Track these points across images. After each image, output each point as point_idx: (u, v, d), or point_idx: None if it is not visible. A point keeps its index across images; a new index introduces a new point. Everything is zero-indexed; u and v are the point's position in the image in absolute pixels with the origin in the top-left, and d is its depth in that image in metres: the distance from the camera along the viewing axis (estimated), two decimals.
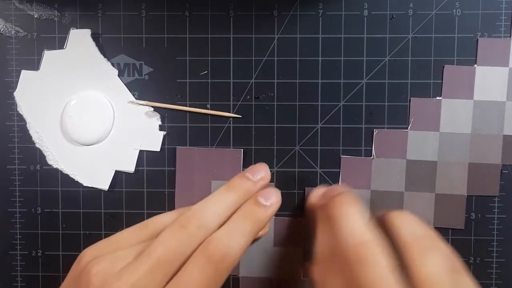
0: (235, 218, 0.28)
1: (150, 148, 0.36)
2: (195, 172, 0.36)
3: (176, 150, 0.36)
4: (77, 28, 0.36)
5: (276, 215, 0.36)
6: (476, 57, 0.35)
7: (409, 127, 0.35)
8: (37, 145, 0.36)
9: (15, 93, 0.36)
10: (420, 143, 0.35)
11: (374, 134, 0.35)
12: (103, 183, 0.36)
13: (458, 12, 0.35)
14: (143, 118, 0.36)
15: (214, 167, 0.36)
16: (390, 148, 0.35)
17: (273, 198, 0.29)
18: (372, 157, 0.36)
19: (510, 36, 0.35)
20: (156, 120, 0.36)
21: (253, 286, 0.36)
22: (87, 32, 0.35)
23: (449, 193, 0.35)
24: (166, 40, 0.36)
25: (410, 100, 0.35)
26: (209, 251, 0.25)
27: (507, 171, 0.35)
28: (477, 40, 0.35)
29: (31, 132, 0.36)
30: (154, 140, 0.36)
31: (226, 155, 0.36)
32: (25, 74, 0.36)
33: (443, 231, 0.36)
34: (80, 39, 0.35)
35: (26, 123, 0.36)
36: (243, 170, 0.36)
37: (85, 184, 0.36)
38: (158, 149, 0.36)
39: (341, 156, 0.36)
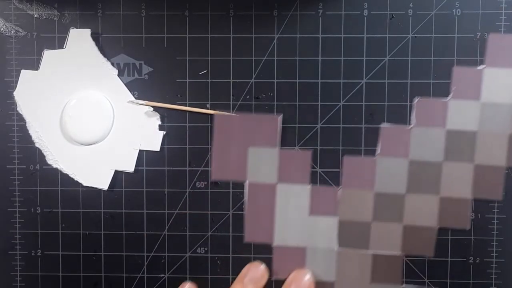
0: None
1: (150, 148, 0.36)
2: (232, 139, 0.35)
3: (214, 117, 0.35)
4: (77, 28, 0.36)
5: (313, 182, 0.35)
6: (485, 57, 0.35)
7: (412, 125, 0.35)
8: (36, 145, 0.36)
9: (14, 93, 0.36)
10: (424, 141, 0.35)
11: (381, 130, 0.35)
12: (103, 183, 0.36)
13: (458, 12, 0.35)
14: (143, 118, 0.36)
15: (251, 134, 0.35)
16: (394, 146, 0.35)
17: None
18: (376, 155, 0.35)
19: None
20: (156, 120, 0.36)
21: (287, 254, 0.35)
22: (87, 32, 0.35)
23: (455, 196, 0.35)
24: (166, 39, 0.36)
25: (409, 99, 0.35)
26: None
27: (506, 171, 0.35)
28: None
29: (31, 131, 0.36)
30: (153, 140, 0.36)
31: (263, 122, 0.35)
32: (24, 74, 0.35)
33: (444, 231, 0.36)
34: (80, 39, 0.35)
35: (25, 122, 0.36)
36: (280, 137, 0.35)
37: (84, 184, 0.36)
38: (158, 149, 0.36)
39: (344, 156, 0.36)
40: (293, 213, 0.36)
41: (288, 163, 0.35)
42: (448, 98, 0.35)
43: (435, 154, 0.35)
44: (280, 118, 0.35)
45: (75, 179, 0.36)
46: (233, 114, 0.35)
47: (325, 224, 0.36)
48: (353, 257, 0.36)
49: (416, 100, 0.35)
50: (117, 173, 0.36)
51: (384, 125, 0.35)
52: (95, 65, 0.35)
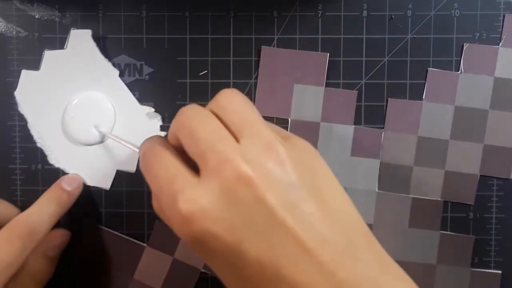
0: (42, 200, 0.32)
1: None
2: (278, 74, 0.35)
3: (261, 49, 0.35)
4: (78, 29, 0.36)
5: None
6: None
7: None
8: (38, 145, 0.36)
9: (15, 93, 0.36)
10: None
11: (428, 73, 0.35)
12: (105, 183, 0.36)
13: (457, 13, 0.35)
14: (144, 118, 0.36)
15: (298, 70, 0.35)
16: (441, 91, 0.35)
17: (75, 184, 0.34)
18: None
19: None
20: (157, 121, 0.36)
21: None
22: (87, 33, 0.35)
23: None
24: (166, 40, 0.36)
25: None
26: (19, 229, 0.29)
27: None
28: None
29: (32, 131, 0.36)
30: None
31: (311, 59, 0.35)
32: (25, 74, 0.36)
33: (443, 229, 0.36)
34: (81, 40, 0.35)
35: (27, 122, 0.36)
36: (326, 76, 0.35)
37: (87, 183, 0.36)
38: None
39: (389, 99, 0.35)
40: (335, 153, 0.35)
41: (333, 102, 0.34)
42: (499, 45, 0.35)
43: (481, 102, 0.35)
44: (327, 56, 0.35)
45: None
46: (280, 49, 0.35)
47: (366, 165, 0.35)
48: (392, 201, 0.35)
49: (465, 46, 0.34)
50: (118, 173, 0.36)
51: (432, 69, 0.35)
52: (96, 66, 0.36)
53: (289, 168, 0.22)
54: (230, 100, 0.25)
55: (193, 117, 0.24)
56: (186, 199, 0.21)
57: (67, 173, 0.36)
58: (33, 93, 0.36)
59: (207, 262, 0.23)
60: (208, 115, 0.25)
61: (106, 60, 0.36)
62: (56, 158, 0.36)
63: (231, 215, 0.21)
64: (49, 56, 0.36)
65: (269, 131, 0.23)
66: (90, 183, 0.36)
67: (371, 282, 0.21)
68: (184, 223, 0.21)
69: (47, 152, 0.36)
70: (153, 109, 0.36)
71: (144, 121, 0.36)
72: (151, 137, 0.27)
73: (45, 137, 0.36)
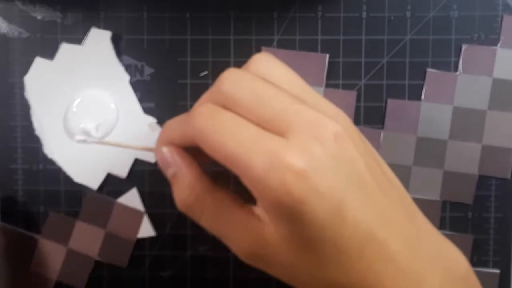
0: None
1: (146, 158, 0.36)
2: None
3: (261, 50, 0.35)
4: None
5: None
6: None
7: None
8: (36, 133, 0.36)
9: (25, 77, 0.36)
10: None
11: (427, 74, 0.35)
12: (93, 183, 0.36)
13: (455, 14, 0.36)
14: (146, 129, 0.36)
15: (298, 71, 0.34)
16: (440, 91, 0.35)
17: None
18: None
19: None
20: (158, 134, 0.35)
21: None
22: (107, 34, 0.36)
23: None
24: (167, 41, 0.36)
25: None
26: None
27: None
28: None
29: (33, 118, 0.36)
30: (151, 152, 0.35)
31: (310, 60, 0.35)
32: (38, 61, 0.36)
33: (441, 229, 0.36)
34: (99, 39, 0.36)
35: (30, 108, 0.36)
36: (326, 76, 0.36)
37: (75, 180, 0.36)
38: (153, 161, 0.36)
39: (388, 99, 0.35)
40: None
41: (333, 102, 0.34)
42: (497, 46, 0.35)
43: (480, 103, 0.35)
44: (327, 56, 0.35)
45: (67, 174, 0.36)
46: (280, 49, 0.35)
47: None
48: None
49: (464, 47, 0.35)
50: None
51: (430, 70, 0.35)
52: (108, 67, 0.36)
53: (358, 134, 0.23)
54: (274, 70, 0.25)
55: (256, 81, 0.23)
56: (297, 156, 0.20)
57: (68, 174, 0.36)
58: (42, 81, 0.36)
59: (291, 241, 0.22)
60: (262, 80, 0.23)
61: (120, 64, 0.36)
62: (50, 149, 0.36)
63: (334, 172, 0.21)
64: (65, 49, 0.36)
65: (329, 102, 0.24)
66: (78, 180, 0.36)
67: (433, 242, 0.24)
68: (292, 182, 0.20)
69: (43, 141, 0.36)
70: (155, 120, 0.36)
71: (145, 131, 0.36)
72: (189, 113, 0.24)
73: (44, 126, 0.36)
